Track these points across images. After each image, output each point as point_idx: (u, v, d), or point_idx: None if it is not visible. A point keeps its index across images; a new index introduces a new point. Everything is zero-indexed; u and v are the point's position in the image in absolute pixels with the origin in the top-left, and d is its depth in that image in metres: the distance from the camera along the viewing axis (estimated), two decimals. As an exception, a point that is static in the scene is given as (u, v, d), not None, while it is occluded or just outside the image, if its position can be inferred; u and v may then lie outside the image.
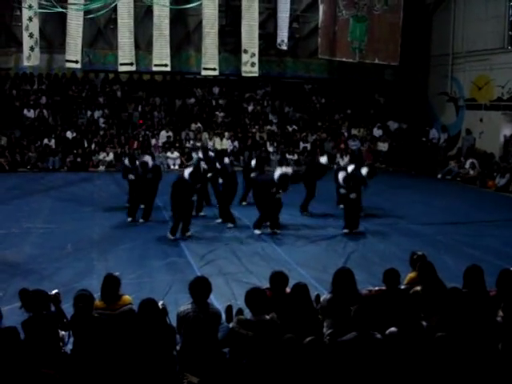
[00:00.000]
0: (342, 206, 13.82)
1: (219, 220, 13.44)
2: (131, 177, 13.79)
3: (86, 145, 23.22)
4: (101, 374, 5.23)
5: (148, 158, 14.17)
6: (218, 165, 13.75)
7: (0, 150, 22.01)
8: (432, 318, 5.88)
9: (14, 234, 12.28)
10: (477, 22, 22.69)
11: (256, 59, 22.70)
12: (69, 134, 23.39)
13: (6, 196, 16.40)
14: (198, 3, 19.93)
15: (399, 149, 25.07)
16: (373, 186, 13.83)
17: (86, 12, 19.72)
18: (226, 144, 24.04)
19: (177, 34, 23.67)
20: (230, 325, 5.76)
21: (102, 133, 23.89)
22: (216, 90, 26.93)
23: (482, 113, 22.93)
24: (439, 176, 22.43)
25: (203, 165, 13.91)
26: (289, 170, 12.86)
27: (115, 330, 5.62)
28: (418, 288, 6.43)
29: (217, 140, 24.18)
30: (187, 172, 12.07)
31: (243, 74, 23.18)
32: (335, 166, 16.72)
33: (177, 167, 22.47)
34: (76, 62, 21.61)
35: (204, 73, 22.93)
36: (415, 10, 24.85)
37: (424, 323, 5.51)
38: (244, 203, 15.24)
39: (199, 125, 24.85)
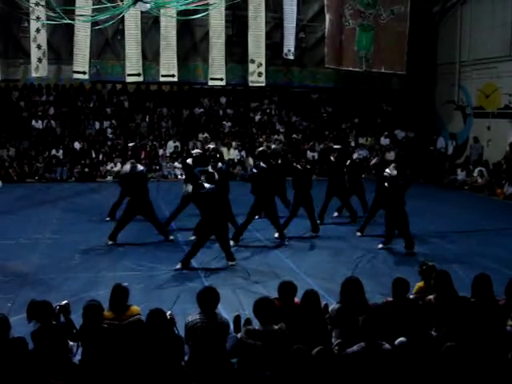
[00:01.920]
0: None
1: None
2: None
3: (93, 155, 23.34)
4: (109, 385, 5.23)
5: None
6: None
7: (8, 161, 22.15)
8: (444, 327, 5.84)
9: (22, 244, 12.31)
10: (483, 30, 22.66)
11: (263, 69, 22.80)
12: (76, 145, 23.52)
13: (14, 206, 16.45)
14: (204, 14, 19.98)
15: (407, 157, 24.99)
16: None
17: (94, 23, 19.77)
18: (233, 153, 24.11)
19: (184, 44, 23.80)
20: (239, 335, 5.75)
21: (109, 143, 24.01)
22: (223, 99, 26.98)
23: (489, 121, 22.88)
24: (445, 182, 22.50)
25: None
26: None
27: (123, 341, 5.62)
28: (431, 297, 6.37)
29: (224, 150, 24.20)
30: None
31: (250, 84, 23.28)
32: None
33: (184, 177, 22.43)
34: (84, 72, 21.79)
35: (211, 83, 23.06)
36: (422, 19, 24.86)
37: (434, 333, 5.48)
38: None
39: (206, 135, 24.83)
